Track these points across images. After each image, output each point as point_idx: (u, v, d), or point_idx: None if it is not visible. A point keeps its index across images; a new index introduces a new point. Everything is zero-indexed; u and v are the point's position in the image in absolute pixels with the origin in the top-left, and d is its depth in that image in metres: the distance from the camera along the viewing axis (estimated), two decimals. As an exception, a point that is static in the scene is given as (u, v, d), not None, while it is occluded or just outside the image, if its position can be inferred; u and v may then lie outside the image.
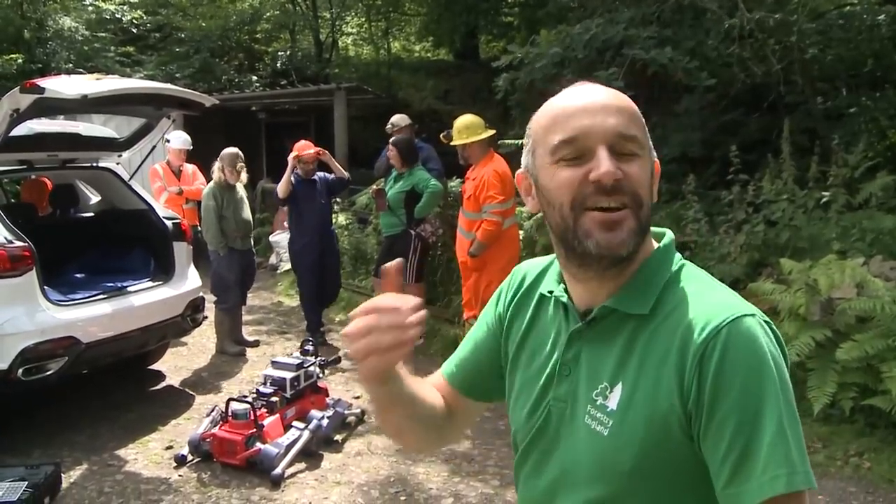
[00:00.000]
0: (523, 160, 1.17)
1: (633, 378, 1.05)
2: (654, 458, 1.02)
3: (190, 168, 8.07)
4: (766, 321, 1.03)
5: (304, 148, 6.69)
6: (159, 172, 7.82)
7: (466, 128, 5.76)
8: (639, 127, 1.10)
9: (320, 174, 6.97)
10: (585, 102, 1.09)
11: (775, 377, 0.98)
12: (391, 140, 6.72)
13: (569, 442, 1.12)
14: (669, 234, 1.17)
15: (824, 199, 5.89)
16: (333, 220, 8.53)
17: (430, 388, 1.37)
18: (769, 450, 0.94)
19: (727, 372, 0.97)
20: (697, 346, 0.99)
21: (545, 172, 1.10)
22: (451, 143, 5.88)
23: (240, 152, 6.63)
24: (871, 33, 7.22)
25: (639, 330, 1.08)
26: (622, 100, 1.11)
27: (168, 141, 7.56)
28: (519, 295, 1.30)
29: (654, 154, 1.14)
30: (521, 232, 6.38)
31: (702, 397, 0.98)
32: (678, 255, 1.16)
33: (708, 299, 1.05)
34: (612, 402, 1.06)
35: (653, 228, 1.17)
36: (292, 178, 6.68)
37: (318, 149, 6.83)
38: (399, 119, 7.47)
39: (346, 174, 7.11)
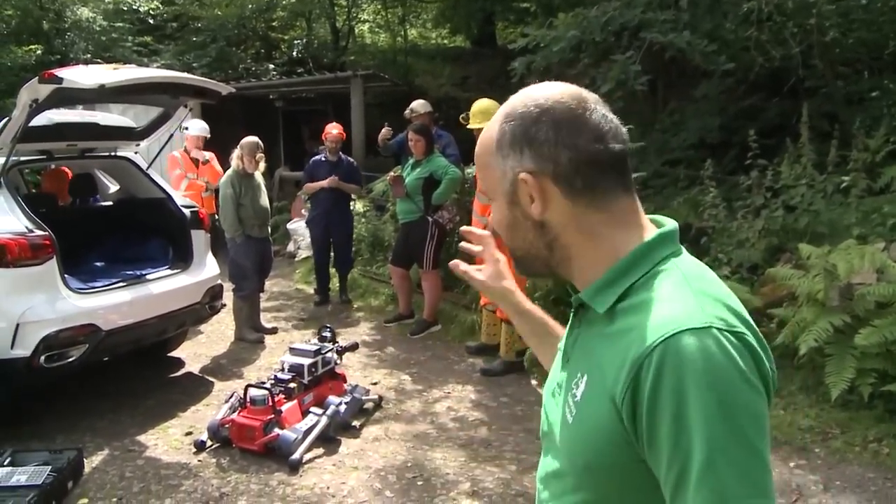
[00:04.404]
0: None
1: (593, 374, 1.03)
2: (605, 456, 1.00)
3: (207, 155, 8.11)
4: (726, 333, 0.93)
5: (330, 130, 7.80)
6: (178, 160, 7.87)
7: (482, 112, 5.85)
8: (487, 169, 1.13)
9: (347, 158, 7.96)
10: None
11: (711, 401, 0.89)
12: (414, 128, 6.72)
13: (555, 429, 1.13)
14: (659, 233, 1.08)
15: (844, 184, 5.83)
16: (350, 206, 8.58)
17: None
18: (697, 484, 0.88)
19: (660, 395, 0.91)
20: (632, 363, 0.94)
21: None
22: (468, 126, 5.97)
23: (260, 142, 6.67)
24: (895, 15, 7.09)
25: (602, 328, 1.05)
26: (484, 142, 1.13)
27: (186, 129, 7.61)
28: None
29: (517, 168, 1.07)
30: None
31: (638, 418, 0.93)
32: (670, 251, 1.07)
33: (659, 308, 0.97)
34: (579, 392, 1.05)
35: (656, 217, 1.13)
36: (322, 158, 7.83)
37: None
38: (419, 105, 7.45)
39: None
